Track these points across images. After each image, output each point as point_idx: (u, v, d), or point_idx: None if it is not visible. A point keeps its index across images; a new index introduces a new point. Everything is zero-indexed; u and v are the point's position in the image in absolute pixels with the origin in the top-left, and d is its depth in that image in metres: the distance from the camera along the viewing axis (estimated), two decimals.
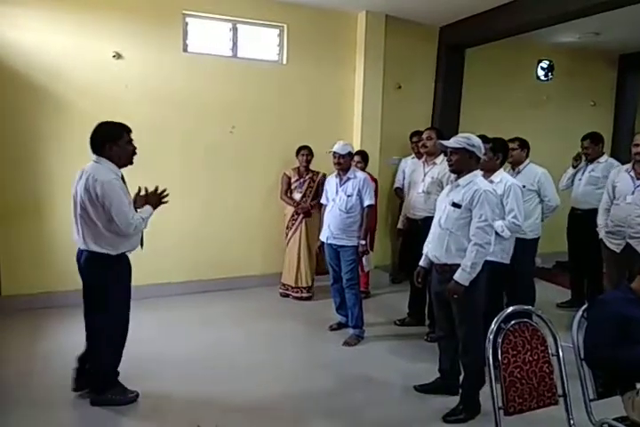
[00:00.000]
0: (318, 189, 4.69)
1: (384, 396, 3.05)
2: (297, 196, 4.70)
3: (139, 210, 2.72)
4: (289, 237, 4.73)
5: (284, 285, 4.82)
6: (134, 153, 2.70)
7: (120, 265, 2.72)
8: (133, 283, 2.84)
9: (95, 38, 4.24)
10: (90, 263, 2.65)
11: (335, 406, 2.91)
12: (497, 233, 3.04)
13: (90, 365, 2.79)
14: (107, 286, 2.66)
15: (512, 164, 3.86)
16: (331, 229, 3.77)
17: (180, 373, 3.20)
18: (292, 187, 4.73)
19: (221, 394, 2.97)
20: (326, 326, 4.04)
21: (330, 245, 3.82)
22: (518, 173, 3.83)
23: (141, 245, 2.84)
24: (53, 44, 4.12)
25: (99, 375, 2.77)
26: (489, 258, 3.03)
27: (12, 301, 4.16)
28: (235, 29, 4.83)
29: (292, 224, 4.70)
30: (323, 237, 3.88)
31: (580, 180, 4.57)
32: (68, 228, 4.26)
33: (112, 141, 2.60)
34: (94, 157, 2.63)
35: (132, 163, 2.73)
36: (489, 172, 3.25)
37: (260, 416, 2.77)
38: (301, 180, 4.71)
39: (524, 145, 3.90)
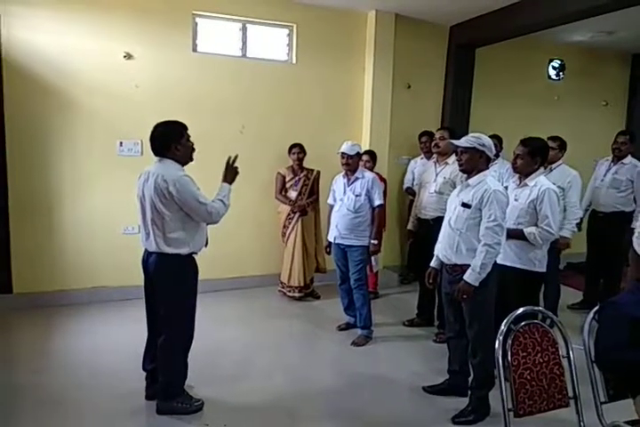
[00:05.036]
0: (313, 187, 4.70)
1: (392, 396, 3.04)
2: (293, 194, 4.67)
3: (215, 193, 2.71)
4: (287, 235, 4.72)
5: (281, 282, 4.82)
6: (194, 150, 2.69)
7: (189, 267, 2.68)
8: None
9: (106, 39, 4.27)
10: (160, 265, 2.61)
11: (343, 406, 2.90)
12: (528, 240, 2.95)
13: (161, 375, 2.71)
14: (175, 288, 2.62)
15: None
16: (338, 228, 3.76)
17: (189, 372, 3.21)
18: (288, 186, 4.71)
19: (230, 394, 2.97)
20: (334, 325, 4.04)
21: (337, 245, 3.82)
22: (550, 170, 3.77)
23: (206, 244, 2.80)
24: (65, 44, 4.15)
25: (170, 385, 2.71)
26: (521, 266, 2.99)
27: (23, 298, 4.20)
28: (244, 29, 4.85)
29: (289, 223, 4.69)
30: (330, 237, 3.87)
31: (603, 181, 4.39)
32: (78, 226, 4.38)
33: (176, 141, 2.58)
34: (156, 158, 2.62)
35: (192, 159, 2.70)
36: (525, 175, 3.05)
37: (268, 416, 2.77)
38: (296, 178, 4.68)
39: (563, 146, 3.84)
